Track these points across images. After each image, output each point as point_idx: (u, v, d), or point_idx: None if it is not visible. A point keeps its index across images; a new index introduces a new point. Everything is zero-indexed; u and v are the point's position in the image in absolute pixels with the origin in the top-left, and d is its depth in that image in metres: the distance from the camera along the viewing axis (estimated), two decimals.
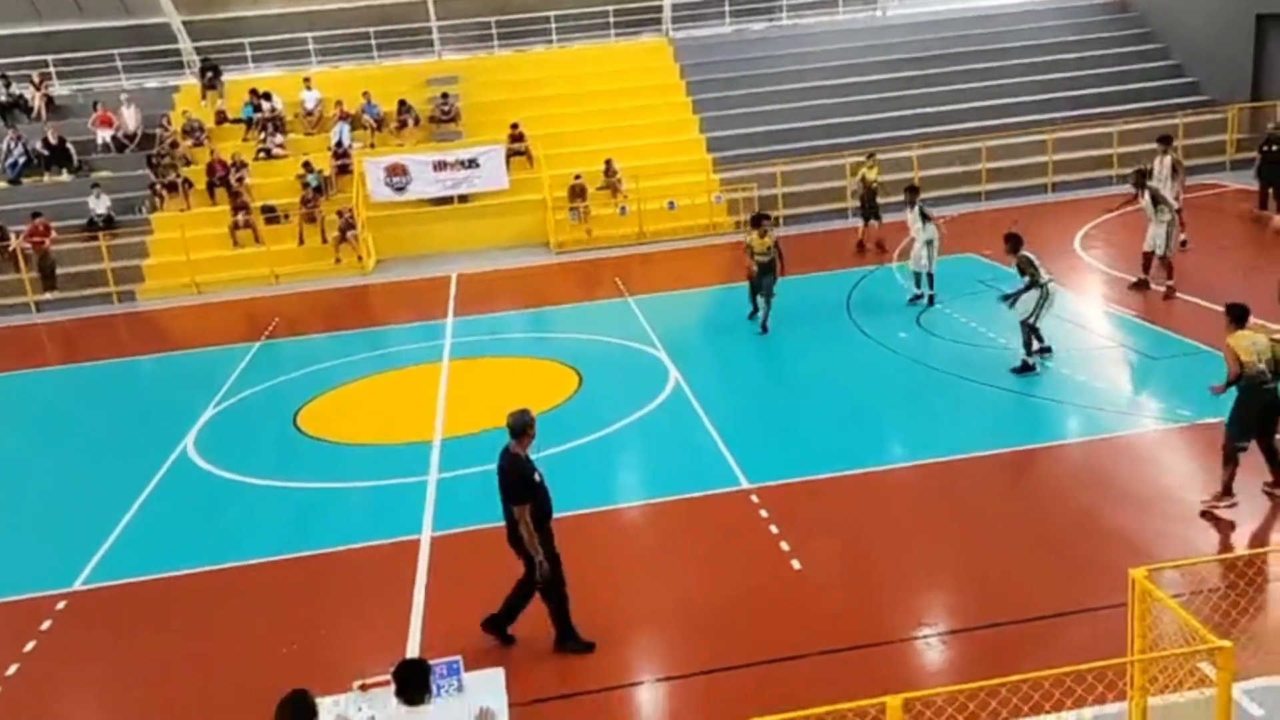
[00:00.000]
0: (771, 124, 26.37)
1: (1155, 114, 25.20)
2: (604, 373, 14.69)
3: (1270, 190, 19.44)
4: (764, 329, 15.47)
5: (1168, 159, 17.59)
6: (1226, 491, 9.04)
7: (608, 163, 24.49)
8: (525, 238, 24.58)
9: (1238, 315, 9.19)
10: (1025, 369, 12.86)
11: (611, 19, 30.55)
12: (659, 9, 30.56)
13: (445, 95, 26.85)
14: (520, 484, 7.54)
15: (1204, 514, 9.03)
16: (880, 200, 20.65)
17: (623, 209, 24.09)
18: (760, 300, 15.58)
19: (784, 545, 9.30)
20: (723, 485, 10.67)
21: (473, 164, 24.83)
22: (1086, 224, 20.68)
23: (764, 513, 9.96)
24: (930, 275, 16.15)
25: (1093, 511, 9.59)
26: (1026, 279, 12.79)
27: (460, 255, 24.01)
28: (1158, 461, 10.58)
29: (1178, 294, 15.32)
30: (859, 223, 21.01)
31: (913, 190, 16.76)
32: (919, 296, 16.32)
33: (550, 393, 14.03)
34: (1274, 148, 19.58)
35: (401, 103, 26.60)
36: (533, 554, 7.58)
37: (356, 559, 9.93)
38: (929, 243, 15.97)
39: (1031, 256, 12.89)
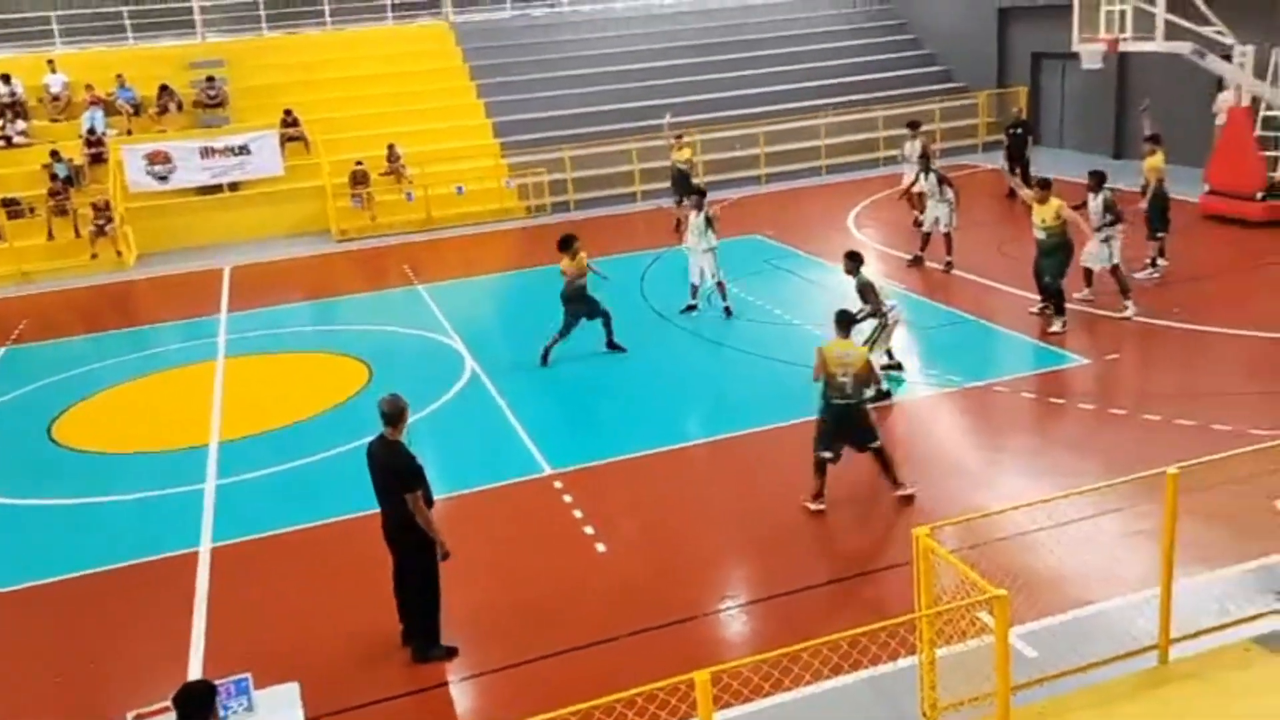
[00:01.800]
0: (558, 109, 26.27)
1: (914, 100, 26.77)
2: (395, 364, 14.20)
3: (1017, 170, 21.02)
4: (546, 356, 13.58)
5: (917, 142, 18.76)
6: (816, 496, 9.20)
7: (390, 148, 23.71)
8: (304, 226, 23.47)
9: (841, 322, 9.18)
10: (881, 397, 11.30)
11: (389, 1, 29.60)
12: None
13: (211, 79, 25.20)
14: (412, 470, 7.16)
15: (900, 498, 9.20)
16: (695, 180, 20.79)
17: (409, 195, 23.39)
18: (570, 328, 13.57)
19: (588, 529, 9.26)
20: (525, 473, 10.52)
21: (243, 150, 23.44)
22: (858, 204, 21.75)
23: (567, 498, 9.89)
24: (721, 284, 14.94)
25: (878, 476, 10.08)
26: (867, 307, 11.50)
27: (233, 246, 22.63)
28: (934, 425, 11.24)
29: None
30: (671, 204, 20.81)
31: (700, 193, 15.40)
32: (693, 307, 15.17)
33: (338, 387, 13.43)
34: (1018, 131, 21.21)
35: (163, 87, 24.78)
36: (433, 537, 7.24)
37: (128, 578, 9.15)
38: (712, 250, 14.79)
39: (873, 282, 11.80)
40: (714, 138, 25.26)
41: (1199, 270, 15.24)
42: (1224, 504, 7.24)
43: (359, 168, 23.26)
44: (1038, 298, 13.80)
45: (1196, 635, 6.64)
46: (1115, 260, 13.56)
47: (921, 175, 16.75)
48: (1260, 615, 6.87)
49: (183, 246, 22.81)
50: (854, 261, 11.70)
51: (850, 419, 9.11)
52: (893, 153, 24.87)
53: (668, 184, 21.12)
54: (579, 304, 13.57)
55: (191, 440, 12.11)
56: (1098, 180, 13.55)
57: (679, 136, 21.03)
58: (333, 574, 8.93)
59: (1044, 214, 13.06)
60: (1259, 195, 17.21)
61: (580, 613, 8.00)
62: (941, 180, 16.32)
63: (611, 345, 13.78)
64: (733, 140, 25.55)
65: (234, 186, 23.71)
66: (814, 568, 8.40)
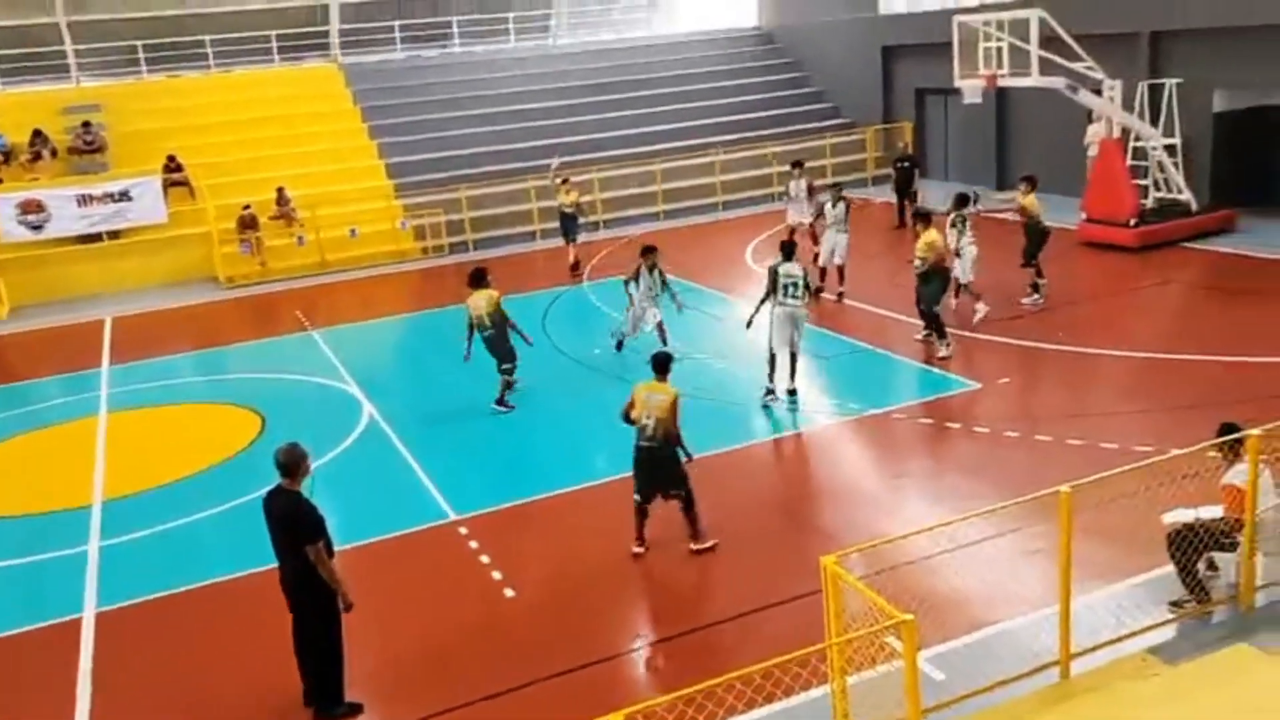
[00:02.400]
0: (453, 149, 26.15)
1: (804, 136, 27.45)
2: (289, 413, 13.77)
3: (905, 202, 21.67)
4: (504, 404, 13.14)
5: (803, 181, 19.21)
6: (636, 539, 9.19)
7: (280, 191, 23.19)
8: (190, 273, 22.76)
9: (658, 365, 9.19)
10: (768, 394, 12.37)
11: (274, 43, 29.13)
12: (325, 34, 29.52)
13: (87, 124, 24.31)
14: (312, 521, 6.93)
15: (695, 550, 9.11)
16: (582, 221, 21.11)
17: (300, 239, 22.89)
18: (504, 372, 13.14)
19: (496, 575, 9.08)
20: (429, 520, 10.27)
21: (124, 196, 22.65)
22: (756, 238, 22.08)
23: (474, 544, 9.68)
24: (661, 325, 14.20)
25: (786, 505, 10.15)
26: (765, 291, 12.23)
27: (114, 297, 21.81)
28: (836, 453, 11.39)
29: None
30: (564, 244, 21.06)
31: (650, 250, 14.33)
32: (620, 345, 14.91)
33: (229, 439, 12.96)
34: (905, 164, 21.87)
35: (36, 133, 23.83)
36: (335, 589, 7.00)
37: (5, 649, 8.60)
38: (656, 298, 14.31)
39: (780, 270, 12.16)
40: (610, 175, 25.43)
41: (1079, 295, 15.89)
42: (1115, 519, 7.46)
43: (247, 212, 22.66)
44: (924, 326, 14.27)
45: (1095, 649, 6.81)
46: (968, 277, 14.61)
47: (828, 205, 16.96)
48: (1154, 626, 7.10)
49: (61, 298, 21.91)
50: (783, 249, 12.57)
51: (655, 463, 9.04)
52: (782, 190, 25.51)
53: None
54: (505, 344, 13.06)
55: (72, 500, 11.51)
56: (958, 203, 14.73)
57: (564, 180, 21.20)
58: (228, 634, 8.55)
59: (919, 244, 13.60)
60: (1131, 222, 18.08)
61: (490, 661, 7.81)
62: (849, 211, 16.81)
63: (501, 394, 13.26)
64: (629, 178, 25.75)
65: (114, 235, 22.88)
66: (726, 602, 8.36)
